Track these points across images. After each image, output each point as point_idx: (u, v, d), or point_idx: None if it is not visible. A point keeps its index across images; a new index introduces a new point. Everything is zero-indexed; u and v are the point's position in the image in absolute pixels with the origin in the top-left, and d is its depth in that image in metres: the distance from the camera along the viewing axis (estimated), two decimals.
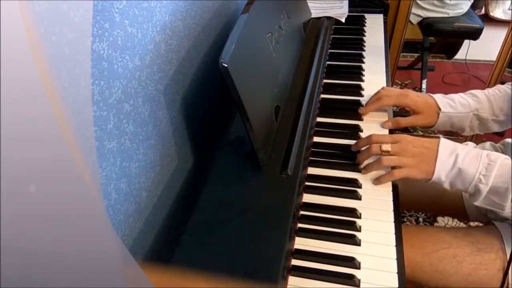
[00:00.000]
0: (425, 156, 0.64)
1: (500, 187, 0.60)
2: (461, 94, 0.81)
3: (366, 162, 0.69)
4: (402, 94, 0.79)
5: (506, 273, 0.66)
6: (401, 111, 0.81)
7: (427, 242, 0.72)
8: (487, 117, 0.79)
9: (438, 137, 0.67)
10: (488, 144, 0.86)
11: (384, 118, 0.81)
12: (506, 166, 0.60)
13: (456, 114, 0.78)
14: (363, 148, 0.70)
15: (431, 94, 0.80)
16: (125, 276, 0.31)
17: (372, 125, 0.80)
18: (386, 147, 0.66)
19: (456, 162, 0.62)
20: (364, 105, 0.82)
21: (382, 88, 0.81)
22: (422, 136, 0.73)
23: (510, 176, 0.59)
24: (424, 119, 0.79)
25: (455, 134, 0.78)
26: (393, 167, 0.67)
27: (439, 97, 0.79)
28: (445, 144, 0.65)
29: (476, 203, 0.64)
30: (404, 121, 0.79)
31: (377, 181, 0.67)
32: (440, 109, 0.78)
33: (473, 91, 0.81)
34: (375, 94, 0.81)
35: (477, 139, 1.61)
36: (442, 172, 0.63)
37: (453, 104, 0.78)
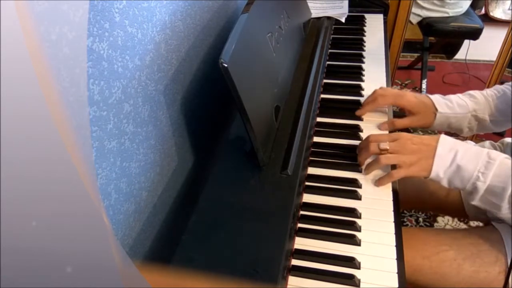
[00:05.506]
0: (424, 153, 0.63)
1: (497, 187, 0.59)
2: (459, 95, 0.81)
3: (366, 162, 0.69)
4: (398, 95, 0.79)
5: (508, 276, 0.66)
6: (401, 111, 0.81)
7: (427, 245, 0.71)
8: (485, 117, 0.79)
9: (439, 135, 0.66)
10: (487, 143, 0.86)
11: (384, 119, 0.81)
12: (505, 165, 0.60)
13: (453, 115, 0.78)
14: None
15: (429, 95, 0.80)
16: (124, 277, 0.31)
17: (372, 125, 0.80)
18: (384, 145, 0.65)
19: (455, 159, 0.61)
20: (361, 106, 0.82)
21: (380, 88, 0.81)
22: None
23: (508, 176, 0.58)
24: (420, 120, 0.79)
25: (455, 134, 0.78)
26: (392, 167, 0.67)
27: (436, 98, 0.79)
28: (445, 140, 0.64)
29: (473, 202, 0.63)
30: (400, 123, 0.79)
31: (377, 182, 0.67)
32: (437, 109, 0.77)
33: (471, 91, 0.81)
34: (371, 94, 0.81)
35: (477, 138, 1.61)
36: (441, 168, 0.62)
37: (451, 105, 0.78)
